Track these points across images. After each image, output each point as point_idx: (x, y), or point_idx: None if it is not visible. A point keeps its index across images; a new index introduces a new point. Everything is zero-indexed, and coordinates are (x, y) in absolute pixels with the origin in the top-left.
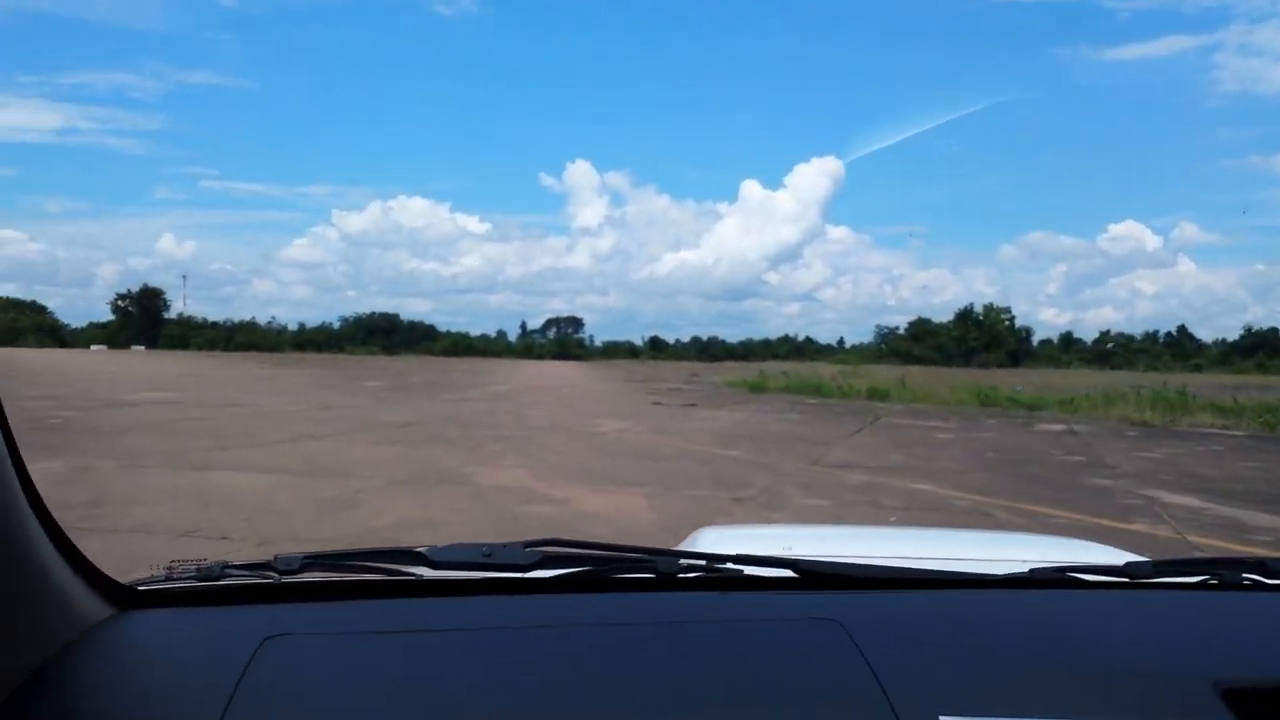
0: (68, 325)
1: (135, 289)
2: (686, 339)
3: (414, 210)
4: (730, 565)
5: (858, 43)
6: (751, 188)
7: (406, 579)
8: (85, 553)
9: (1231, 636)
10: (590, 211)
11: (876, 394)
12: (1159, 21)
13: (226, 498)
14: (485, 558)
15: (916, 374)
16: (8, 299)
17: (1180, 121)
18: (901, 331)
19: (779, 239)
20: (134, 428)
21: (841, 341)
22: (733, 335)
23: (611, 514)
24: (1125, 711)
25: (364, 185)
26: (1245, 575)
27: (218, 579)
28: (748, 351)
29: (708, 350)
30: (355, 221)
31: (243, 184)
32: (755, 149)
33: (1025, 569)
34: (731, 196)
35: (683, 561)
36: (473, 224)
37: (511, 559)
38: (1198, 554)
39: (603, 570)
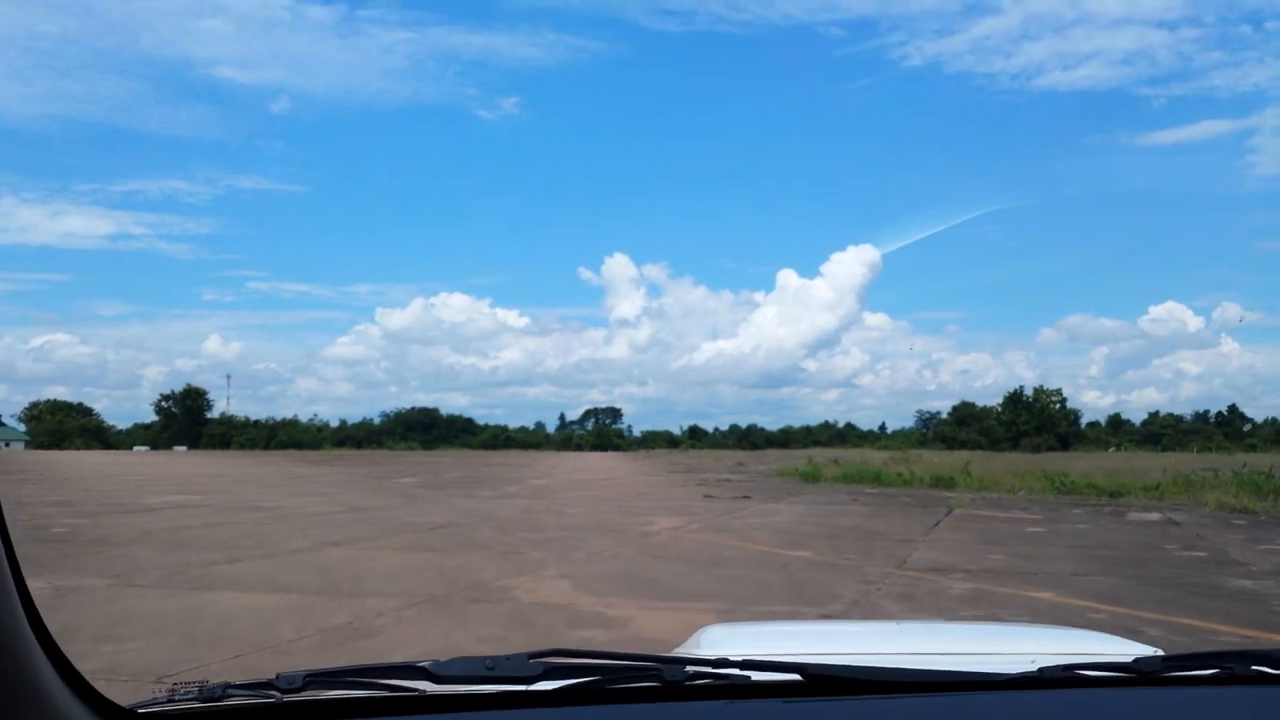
0: (113, 427)
1: (179, 390)
2: (725, 427)
3: (455, 306)
4: (736, 671)
5: (893, 136)
6: (788, 277)
7: (410, 695)
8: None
9: None
10: (628, 303)
11: (941, 481)
12: (1194, 108)
13: (219, 628)
14: (489, 670)
15: (971, 459)
16: (56, 401)
17: (1218, 205)
18: (945, 416)
19: (816, 326)
20: (142, 538)
21: (883, 427)
22: (771, 422)
23: (679, 638)
24: None
25: (407, 282)
26: (1255, 667)
27: (220, 699)
28: (788, 439)
29: (748, 438)
30: (398, 318)
31: (289, 284)
32: (791, 239)
33: (1033, 665)
34: (768, 285)
35: (689, 669)
36: (512, 318)
37: (515, 671)
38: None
39: (608, 680)
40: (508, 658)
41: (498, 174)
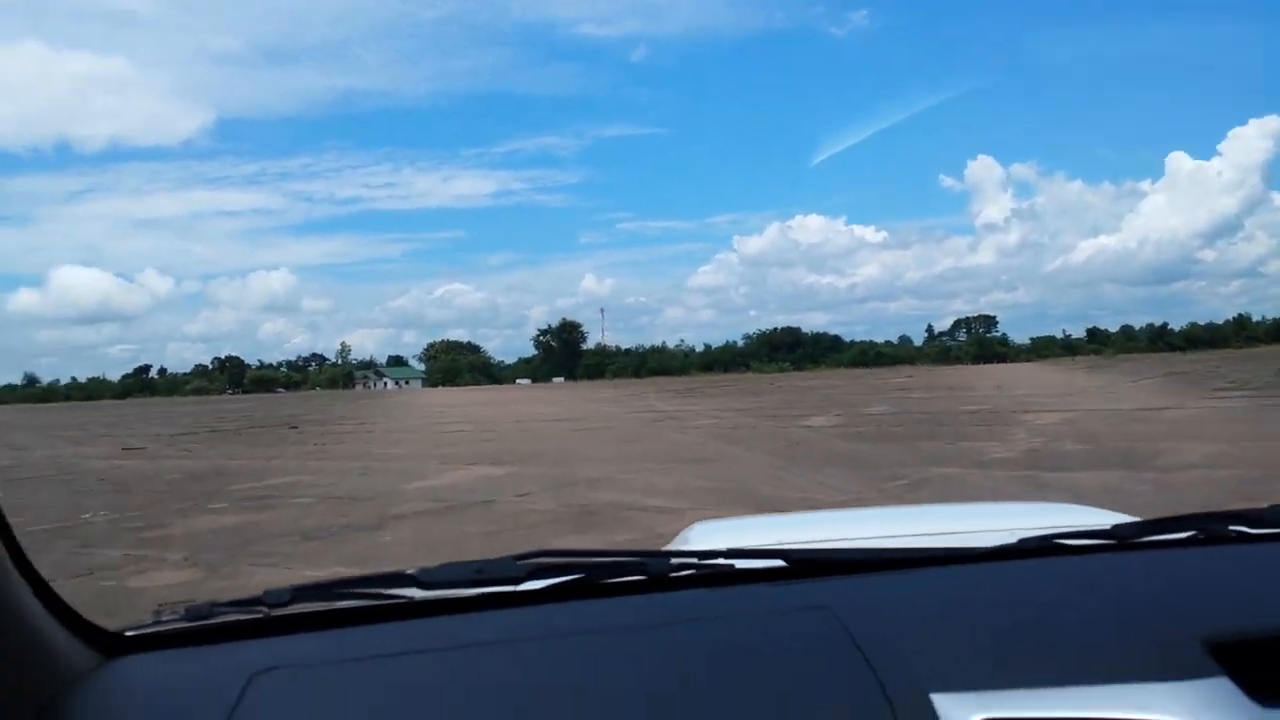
0: (500, 362)
1: (556, 325)
2: (1114, 328)
3: (810, 227)
4: (721, 561)
5: None
6: (1179, 160)
7: (398, 602)
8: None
9: (1218, 591)
10: (995, 207)
11: None
12: None
13: None
14: (476, 574)
15: None
16: (448, 341)
17: None
18: None
19: (1214, 212)
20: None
21: None
22: (1163, 320)
23: None
24: (1113, 674)
25: (763, 210)
26: (1233, 528)
27: (206, 618)
28: (1213, 337)
29: (1163, 337)
30: (755, 244)
31: (654, 222)
32: (1180, 118)
33: (1013, 539)
34: (1155, 172)
35: (674, 561)
36: (869, 234)
37: (502, 572)
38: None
39: (594, 577)
40: (494, 561)
41: (849, 91)
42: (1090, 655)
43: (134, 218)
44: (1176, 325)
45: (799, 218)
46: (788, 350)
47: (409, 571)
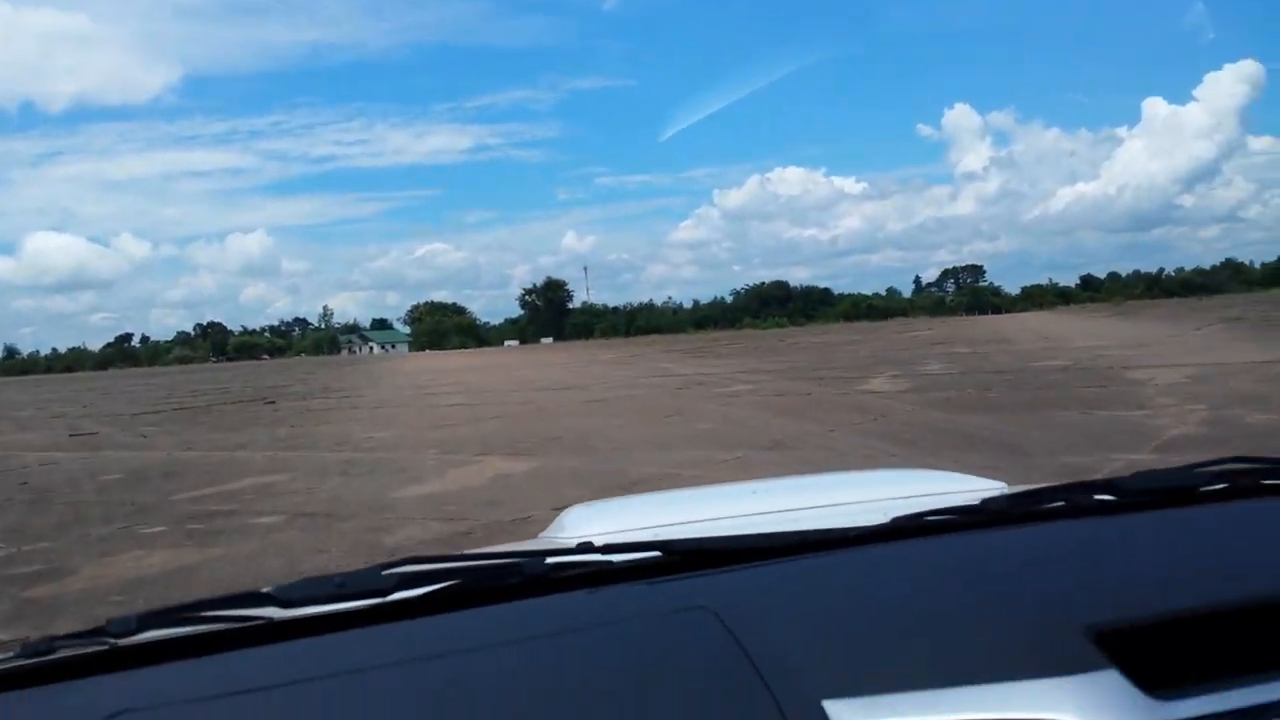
0: (485, 323)
1: (540, 283)
2: (1100, 275)
3: (790, 179)
4: (597, 556)
5: None
6: (1155, 105)
7: (256, 624)
8: None
9: (1094, 570)
10: (973, 156)
11: None
12: None
13: None
14: (339, 589)
15: None
16: (433, 303)
17: None
18: None
19: (1192, 157)
20: None
21: None
22: (1146, 266)
23: None
24: (1003, 671)
25: (742, 162)
26: (1097, 496)
27: (46, 654)
28: (1208, 282)
29: (1159, 284)
30: (735, 198)
31: (633, 176)
32: (1156, 62)
33: (885, 515)
34: (1132, 118)
35: (549, 561)
36: (849, 185)
37: (368, 585)
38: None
39: (468, 583)
40: (358, 572)
41: (823, 38)
42: (978, 651)
43: (105, 180)
44: (1157, 270)
45: (778, 170)
46: (779, 305)
47: (265, 590)
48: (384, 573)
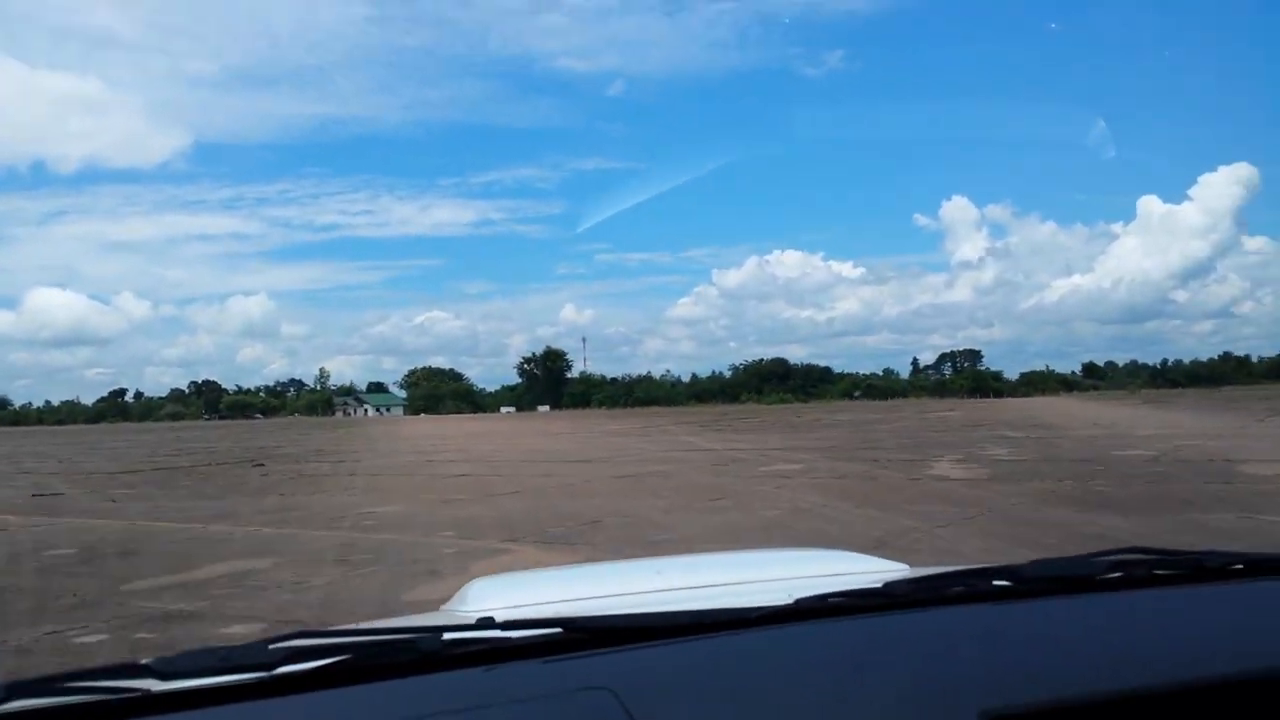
0: (482, 390)
1: (539, 353)
2: (1079, 366)
3: (788, 262)
4: (497, 633)
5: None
6: (1150, 203)
7: (132, 696)
8: None
9: (989, 656)
10: (969, 246)
11: None
12: None
13: None
14: (223, 662)
15: None
16: (430, 368)
17: None
18: None
19: (1186, 254)
20: None
21: None
22: (1140, 357)
23: None
24: None
25: (741, 243)
26: (996, 582)
27: None
28: (1213, 373)
29: (1164, 375)
30: (733, 277)
31: (633, 254)
32: (1151, 164)
33: (789, 595)
34: (1127, 215)
35: (446, 637)
36: (846, 269)
37: (253, 659)
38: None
39: (360, 659)
40: (244, 646)
41: (824, 130)
42: None
43: (109, 240)
44: (1160, 361)
45: (776, 252)
46: (778, 381)
47: (144, 661)
48: (270, 646)
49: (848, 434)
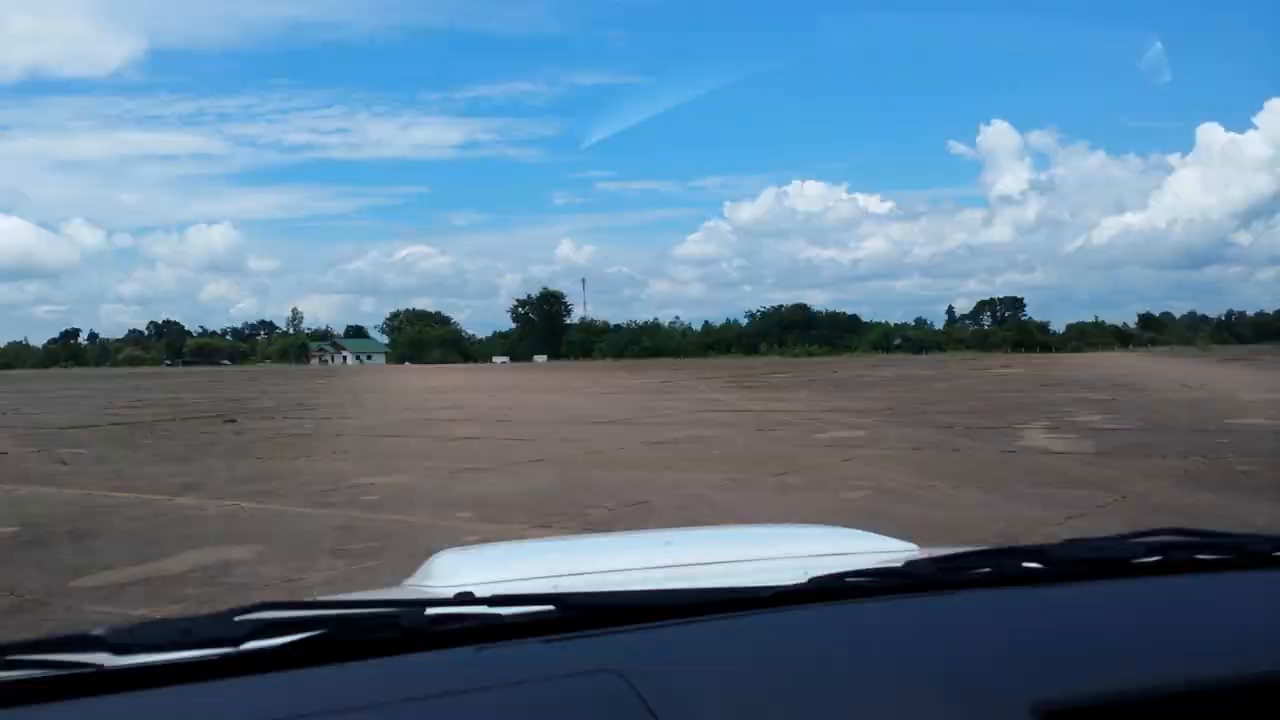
0: (471, 336)
1: (535, 295)
2: (1132, 317)
3: (810, 194)
4: (483, 609)
5: None
6: (1212, 132)
7: (83, 672)
8: None
9: (1031, 644)
10: (1011, 178)
11: None
12: None
13: None
14: (184, 635)
15: None
16: (415, 311)
17: None
18: None
19: (1251, 191)
20: None
21: None
22: (1198, 308)
23: None
24: None
25: (756, 173)
26: (1025, 564)
27: None
28: None
29: (1230, 327)
30: (748, 211)
31: (637, 182)
32: (1214, 85)
33: (804, 574)
34: (1185, 145)
35: (430, 612)
36: (874, 203)
37: (216, 632)
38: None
39: (337, 634)
40: (207, 618)
41: (851, 39)
42: None
43: (57, 159)
44: (1225, 313)
45: (796, 183)
46: (800, 330)
47: (97, 633)
48: (236, 619)
49: (903, 393)
